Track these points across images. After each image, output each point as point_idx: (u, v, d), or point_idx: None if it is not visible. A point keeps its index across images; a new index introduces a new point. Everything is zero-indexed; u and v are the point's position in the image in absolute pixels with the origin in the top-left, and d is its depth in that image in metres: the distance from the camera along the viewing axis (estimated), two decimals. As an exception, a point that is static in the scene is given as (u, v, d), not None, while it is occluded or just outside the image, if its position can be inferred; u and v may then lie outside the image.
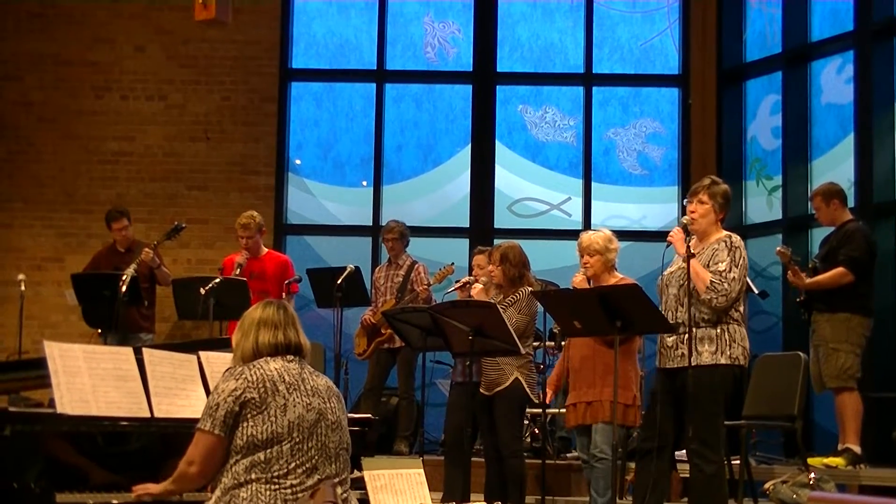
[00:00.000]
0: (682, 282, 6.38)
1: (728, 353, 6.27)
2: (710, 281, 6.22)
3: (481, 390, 7.57)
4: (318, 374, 4.68)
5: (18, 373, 5.84)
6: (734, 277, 6.25)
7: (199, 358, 5.27)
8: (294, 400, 4.48)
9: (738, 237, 6.46)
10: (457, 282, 8.32)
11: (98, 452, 4.87)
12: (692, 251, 6.34)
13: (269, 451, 4.41)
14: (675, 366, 6.39)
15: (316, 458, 4.49)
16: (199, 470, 4.51)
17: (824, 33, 10.79)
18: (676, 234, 6.44)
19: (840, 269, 8.14)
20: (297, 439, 4.45)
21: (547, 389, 7.69)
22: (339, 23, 12.32)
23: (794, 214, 10.67)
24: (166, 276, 9.90)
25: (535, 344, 7.96)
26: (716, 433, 6.30)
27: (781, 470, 8.11)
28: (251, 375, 4.48)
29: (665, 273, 6.56)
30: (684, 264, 6.32)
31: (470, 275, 8.37)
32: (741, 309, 6.39)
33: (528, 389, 7.53)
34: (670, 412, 6.42)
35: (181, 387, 5.15)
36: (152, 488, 4.70)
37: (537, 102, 12.20)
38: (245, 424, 4.43)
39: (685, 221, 6.52)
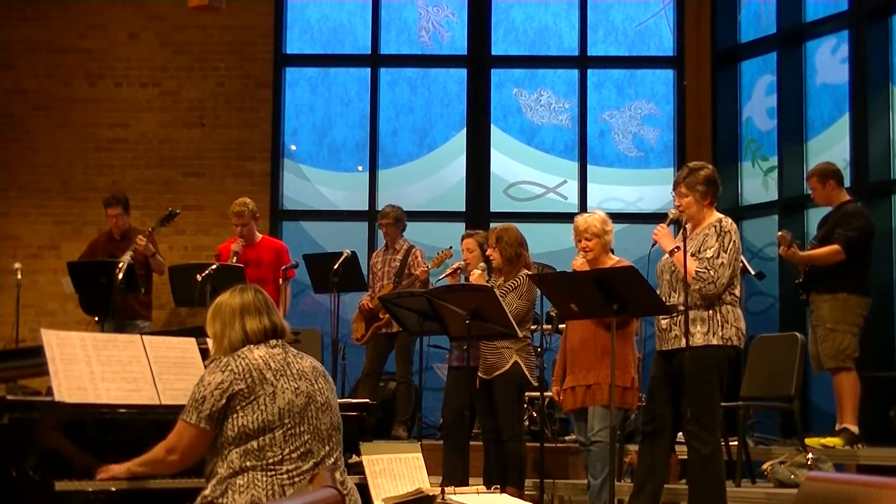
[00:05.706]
0: (673, 269, 6.40)
1: (720, 333, 6.26)
2: (696, 271, 6.21)
3: (480, 374, 7.57)
4: (303, 356, 4.64)
5: (16, 361, 5.85)
6: (722, 263, 6.24)
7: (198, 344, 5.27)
8: (282, 386, 4.45)
9: (730, 221, 6.43)
10: (449, 268, 8.29)
11: (96, 440, 4.86)
12: (688, 234, 6.34)
13: (261, 439, 4.38)
14: (670, 348, 6.41)
15: (309, 441, 4.46)
16: (180, 459, 4.51)
17: (819, 13, 10.78)
18: (661, 231, 6.44)
19: (835, 247, 8.12)
20: (289, 425, 4.42)
21: (553, 387, 7.63)
22: (333, 7, 12.29)
23: (790, 195, 10.66)
24: (161, 264, 9.87)
25: (532, 327, 7.93)
26: (711, 414, 6.30)
27: (779, 450, 8.12)
28: (237, 366, 4.45)
29: (661, 260, 6.56)
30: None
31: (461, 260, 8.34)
32: (736, 291, 6.38)
33: (527, 373, 7.54)
34: (667, 395, 6.43)
35: (184, 371, 5.15)
36: (115, 470, 4.63)
37: (532, 85, 12.18)
38: (235, 416, 4.40)
39: (672, 215, 6.50)
